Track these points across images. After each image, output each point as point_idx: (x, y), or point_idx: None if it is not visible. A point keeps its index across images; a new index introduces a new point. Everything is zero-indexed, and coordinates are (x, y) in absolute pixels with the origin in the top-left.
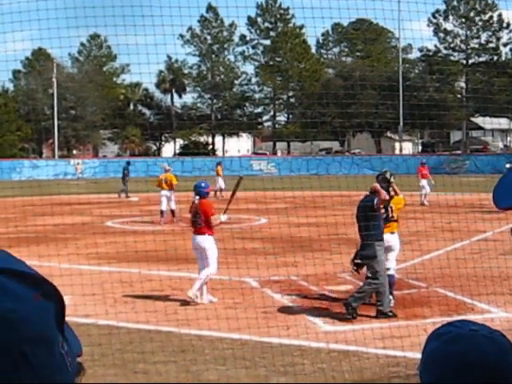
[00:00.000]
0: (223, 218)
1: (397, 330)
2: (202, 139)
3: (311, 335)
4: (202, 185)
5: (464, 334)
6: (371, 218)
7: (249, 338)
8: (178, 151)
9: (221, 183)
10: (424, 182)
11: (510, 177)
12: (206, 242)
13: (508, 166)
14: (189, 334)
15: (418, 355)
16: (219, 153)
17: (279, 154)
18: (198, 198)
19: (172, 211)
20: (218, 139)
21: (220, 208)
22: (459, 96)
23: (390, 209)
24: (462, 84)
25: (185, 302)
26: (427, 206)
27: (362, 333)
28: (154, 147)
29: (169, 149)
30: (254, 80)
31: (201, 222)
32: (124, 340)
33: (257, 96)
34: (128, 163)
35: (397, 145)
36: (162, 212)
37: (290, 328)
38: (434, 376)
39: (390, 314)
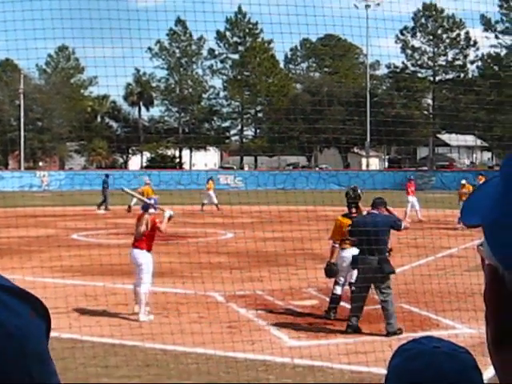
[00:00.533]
0: (167, 213)
1: (362, 346)
2: (170, 152)
3: (276, 350)
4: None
5: (426, 350)
6: (388, 235)
7: (214, 353)
8: (144, 164)
9: (213, 198)
10: (412, 199)
11: (477, 194)
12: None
13: (463, 181)
14: (153, 349)
15: (383, 371)
16: (186, 166)
17: (246, 168)
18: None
19: None
20: (186, 153)
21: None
22: (426, 112)
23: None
24: (429, 101)
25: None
26: (425, 221)
27: (327, 348)
28: (121, 160)
29: (136, 162)
30: (222, 94)
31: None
32: (88, 354)
33: (225, 110)
34: (107, 176)
35: (363, 160)
36: None
37: (255, 343)
38: None
39: (399, 332)
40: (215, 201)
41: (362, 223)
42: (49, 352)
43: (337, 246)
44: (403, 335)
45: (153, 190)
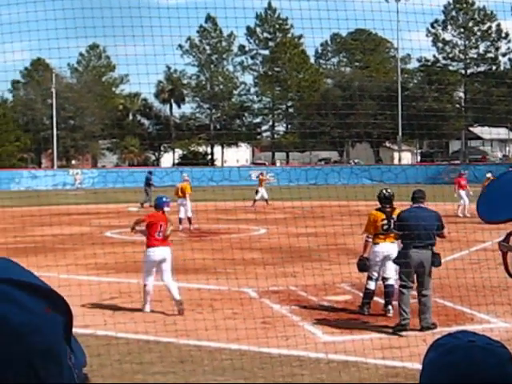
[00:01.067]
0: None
1: (396, 341)
2: (201, 149)
3: (310, 345)
4: (163, 199)
5: (461, 344)
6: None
7: (247, 349)
8: (176, 161)
9: (264, 193)
10: (462, 193)
11: (499, 190)
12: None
13: (488, 175)
14: (188, 345)
15: (417, 366)
16: (218, 163)
17: (278, 163)
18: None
19: (188, 218)
20: (217, 149)
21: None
22: (458, 106)
23: (392, 220)
24: (461, 94)
25: (182, 313)
26: (462, 217)
27: (361, 343)
28: (153, 157)
29: (168, 159)
30: (252, 90)
31: (161, 234)
32: (122, 351)
33: (256, 106)
34: (150, 173)
35: (395, 155)
36: (180, 220)
37: (289, 338)
38: None
39: (433, 326)
40: (266, 196)
41: (412, 217)
42: (65, 346)
43: (370, 240)
44: (437, 330)
45: (191, 187)
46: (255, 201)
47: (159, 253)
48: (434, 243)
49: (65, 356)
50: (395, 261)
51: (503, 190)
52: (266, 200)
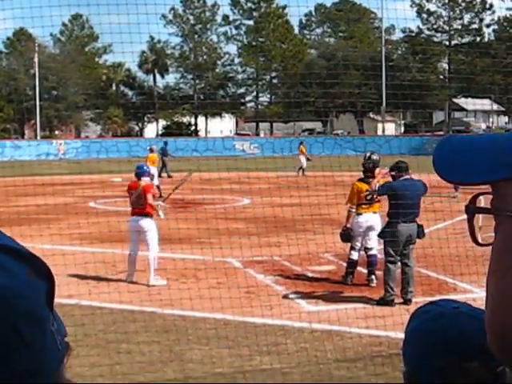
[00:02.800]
0: (161, 214)
1: (379, 311)
2: (185, 120)
3: (294, 315)
4: (145, 167)
5: (445, 311)
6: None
7: (232, 318)
8: (160, 132)
9: (303, 162)
10: None
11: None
12: (148, 223)
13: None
14: (172, 315)
15: (401, 335)
16: (202, 133)
17: (262, 134)
18: (142, 179)
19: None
20: (201, 120)
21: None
22: (442, 77)
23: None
24: (445, 65)
25: (167, 284)
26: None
27: (345, 313)
28: (137, 128)
29: (151, 129)
30: (236, 60)
31: (143, 203)
32: (107, 320)
33: (239, 76)
34: (165, 143)
35: (379, 125)
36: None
37: (273, 308)
38: (416, 354)
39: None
40: (304, 165)
41: (401, 189)
42: (48, 312)
43: (353, 210)
44: (420, 299)
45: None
46: (302, 169)
47: (134, 223)
48: (418, 214)
49: (48, 321)
50: (382, 236)
51: (472, 146)
52: (303, 169)
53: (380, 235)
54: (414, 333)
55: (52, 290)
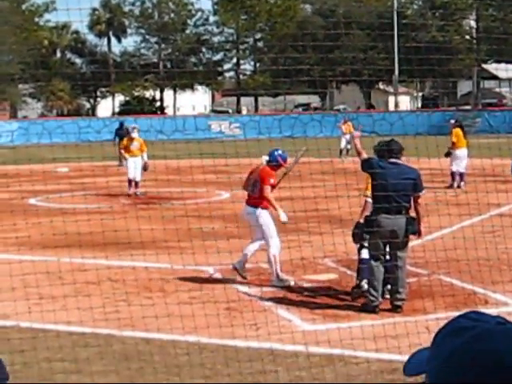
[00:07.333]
0: (283, 217)
1: (392, 329)
2: (148, 94)
3: (286, 336)
4: (281, 152)
5: (492, 328)
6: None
7: (208, 341)
8: (117, 109)
9: (344, 143)
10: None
11: None
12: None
13: (452, 121)
14: (133, 338)
15: None
16: (169, 111)
17: (244, 111)
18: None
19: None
20: (168, 94)
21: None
22: (468, 37)
23: None
24: (472, 22)
25: (126, 299)
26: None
27: (349, 332)
28: (88, 105)
29: (106, 106)
30: (212, 19)
31: (256, 191)
32: (52, 346)
33: (216, 39)
34: (121, 124)
35: (391, 99)
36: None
37: (260, 328)
38: (465, 379)
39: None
40: (347, 146)
41: (385, 175)
42: None
43: (370, 200)
44: (443, 315)
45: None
46: (347, 150)
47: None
48: (408, 207)
49: None
50: (364, 230)
51: None
52: (347, 150)
53: (362, 229)
54: (455, 355)
55: None
